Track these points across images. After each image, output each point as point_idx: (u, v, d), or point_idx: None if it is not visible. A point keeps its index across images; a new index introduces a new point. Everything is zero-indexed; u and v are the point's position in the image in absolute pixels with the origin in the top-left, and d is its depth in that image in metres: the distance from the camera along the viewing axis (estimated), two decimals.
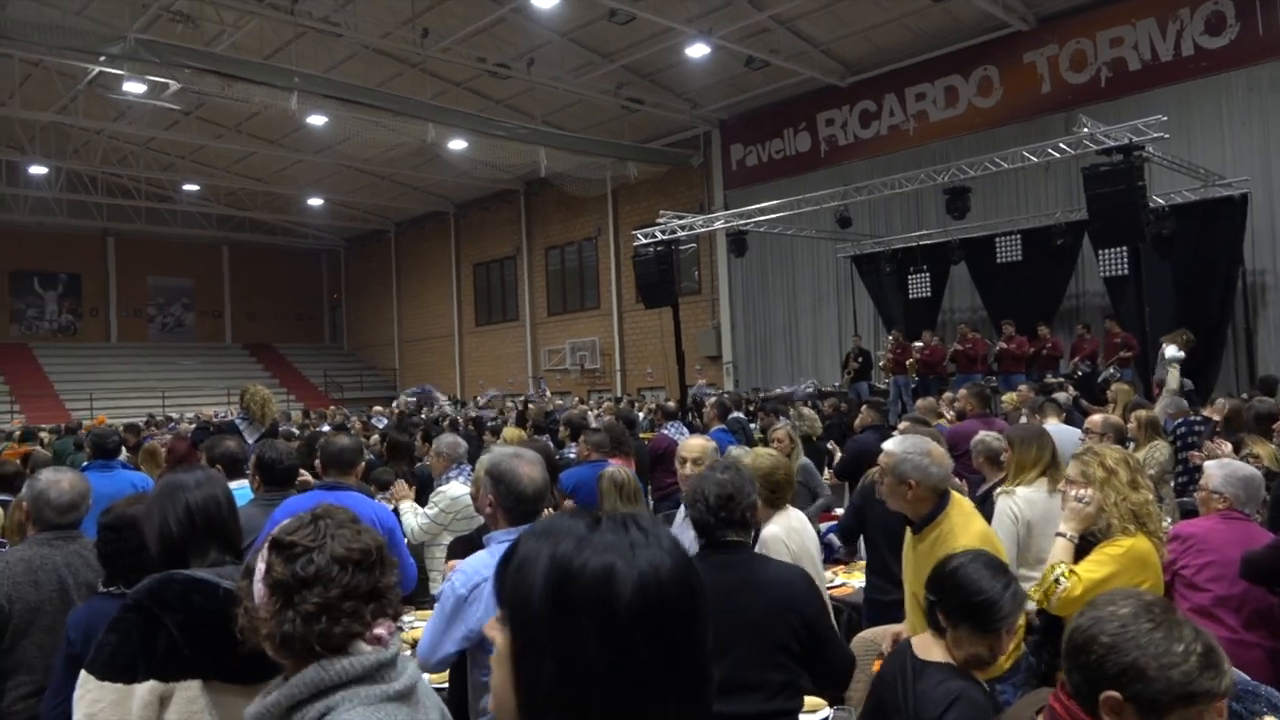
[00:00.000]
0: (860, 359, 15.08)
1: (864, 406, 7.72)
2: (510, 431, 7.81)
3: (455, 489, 4.94)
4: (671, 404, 10.72)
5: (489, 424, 11.20)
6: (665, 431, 8.45)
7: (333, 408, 20.52)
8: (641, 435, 9.24)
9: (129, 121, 19.66)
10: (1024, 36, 15.24)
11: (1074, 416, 7.58)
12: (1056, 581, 2.92)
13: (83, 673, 1.90)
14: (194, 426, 8.18)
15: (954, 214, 13.13)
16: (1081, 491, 3.05)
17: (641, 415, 13.23)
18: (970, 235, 14.83)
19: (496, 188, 24.84)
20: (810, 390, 15.78)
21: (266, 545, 1.54)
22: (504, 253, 26.00)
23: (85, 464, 5.96)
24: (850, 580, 5.11)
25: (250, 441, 6.16)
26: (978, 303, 15.51)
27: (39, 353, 26.91)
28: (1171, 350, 9.42)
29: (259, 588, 1.51)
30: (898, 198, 15.14)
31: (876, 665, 3.11)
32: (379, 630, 1.53)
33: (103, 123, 19.52)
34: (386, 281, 30.28)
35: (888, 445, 3.29)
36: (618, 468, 4.19)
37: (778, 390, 16.36)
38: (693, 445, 4.21)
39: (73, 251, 28.08)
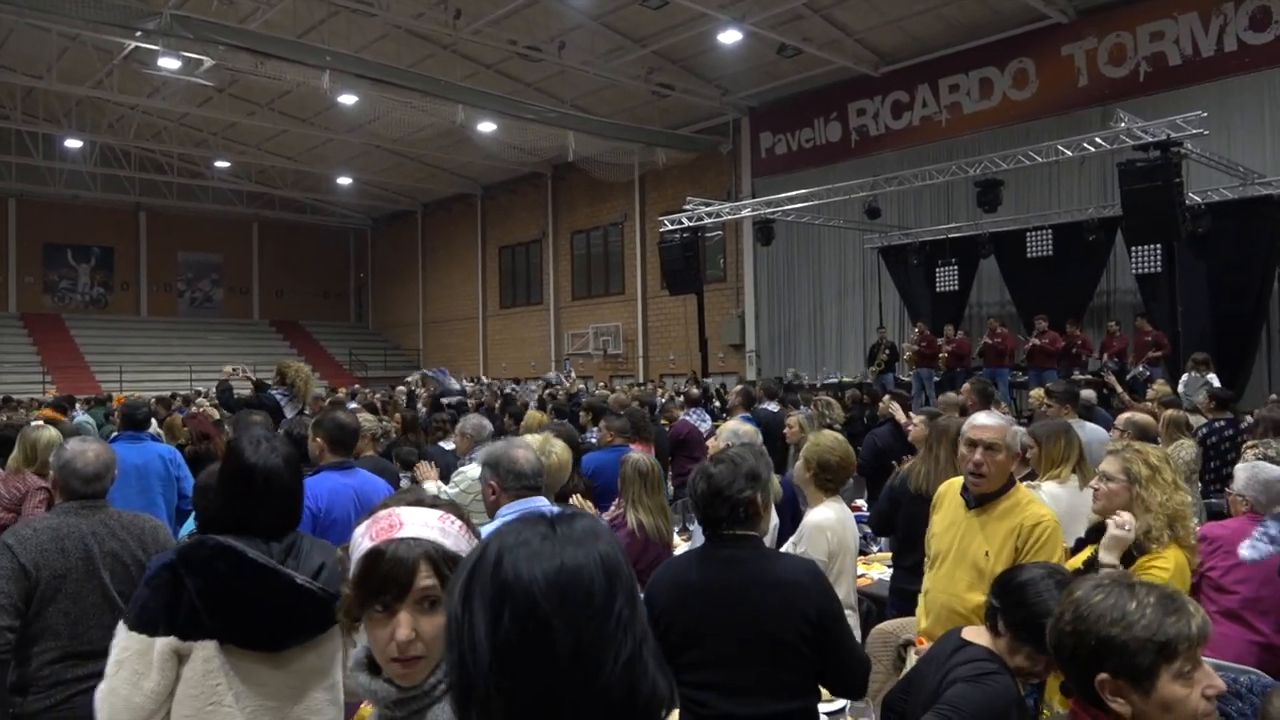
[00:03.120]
0: (888, 351, 14.98)
1: (886, 397, 7.65)
2: (532, 415, 7.81)
3: (475, 470, 4.96)
4: (694, 390, 10.67)
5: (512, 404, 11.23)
6: (687, 418, 8.44)
7: (356, 385, 20.69)
8: (662, 421, 9.23)
9: (163, 97, 19.82)
10: (1062, 29, 14.99)
11: (1099, 414, 7.48)
12: None
13: (119, 623, 2.04)
14: (216, 388, 8.15)
15: (985, 207, 12.98)
16: (1123, 517, 2.89)
17: (662, 400, 13.22)
18: (1001, 229, 14.67)
19: (524, 171, 24.84)
20: (832, 381, 15.72)
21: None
22: (530, 236, 26.03)
23: (115, 435, 6.04)
24: (870, 571, 5.09)
25: (290, 416, 6.24)
26: (1006, 297, 15.34)
27: (71, 324, 27.30)
28: (1211, 376, 9.21)
29: None
30: (928, 189, 15.01)
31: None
32: None
33: (137, 98, 19.68)
34: (413, 262, 30.43)
35: (984, 419, 3.22)
36: (642, 455, 4.17)
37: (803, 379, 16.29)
38: (725, 428, 4.12)
39: (105, 225, 28.41)
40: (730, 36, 15.95)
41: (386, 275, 32.18)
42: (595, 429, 6.90)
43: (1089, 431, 5.58)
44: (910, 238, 16.11)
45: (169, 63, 16.62)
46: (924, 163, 14.51)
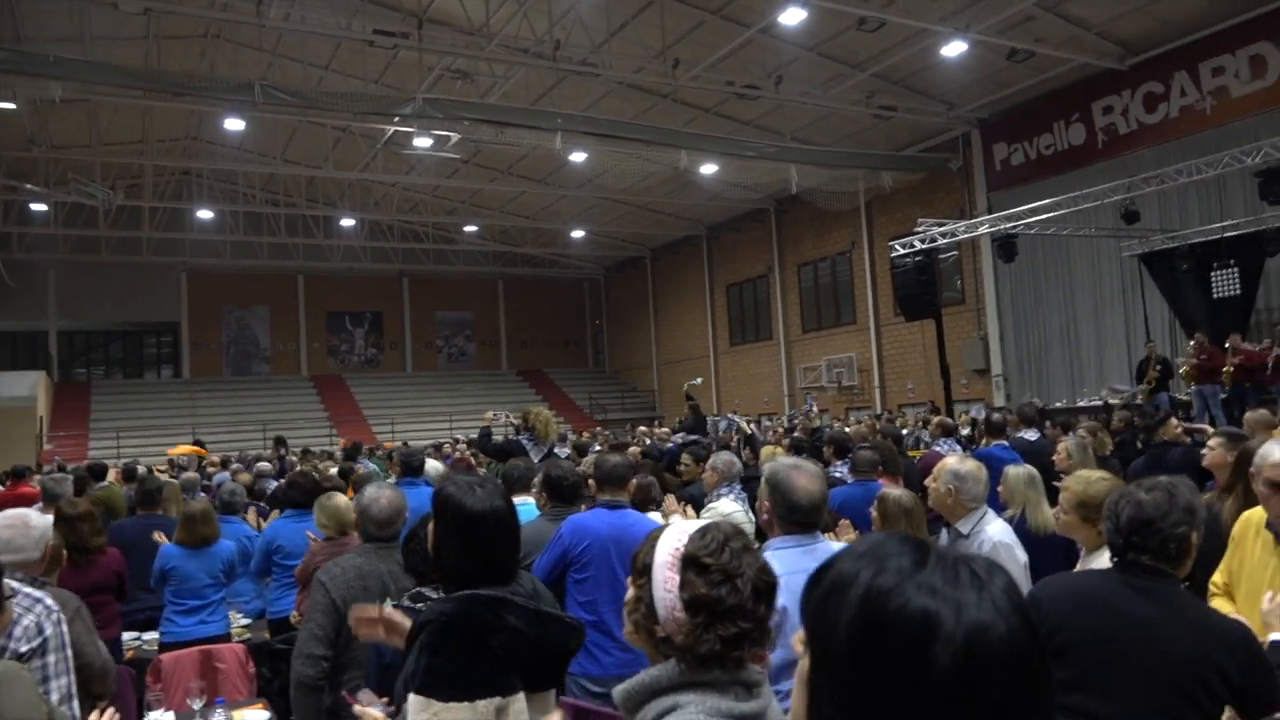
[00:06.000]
0: (1160, 367, 13.53)
1: (1172, 420, 6.89)
2: (769, 451, 7.76)
3: (726, 505, 5.01)
4: (950, 419, 10.10)
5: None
6: (938, 449, 8.04)
7: (598, 429, 21.54)
8: (909, 453, 8.86)
9: (418, 174, 21.96)
10: None
11: None
12: None
13: (418, 698, 1.95)
14: (479, 433, 8.77)
15: (1270, 199, 11.52)
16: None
17: (905, 431, 12.71)
18: None
19: (747, 208, 25.06)
20: (1095, 403, 14.43)
21: (677, 558, 1.55)
22: (756, 272, 26.13)
23: (395, 482, 6.63)
24: None
25: (536, 460, 6.59)
26: None
27: (350, 382, 30.57)
28: None
29: (669, 597, 1.53)
30: (1195, 186, 13.58)
31: None
32: (767, 653, 1.57)
33: (397, 176, 21.97)
34: (644, 306, 31.43)
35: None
36: (902, 490, 3.97)
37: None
38: (943, 465, 3.74)
39: (375, 292, 31.71)
40: (954, 49, 15.32)
41: (620, 320, 33.44)
42: (839, 464, 6.73)
43: None
44: (1177, 240, 14.58)
45: (422, 142, 18.39)
46: (1188, 157, 13.14)
